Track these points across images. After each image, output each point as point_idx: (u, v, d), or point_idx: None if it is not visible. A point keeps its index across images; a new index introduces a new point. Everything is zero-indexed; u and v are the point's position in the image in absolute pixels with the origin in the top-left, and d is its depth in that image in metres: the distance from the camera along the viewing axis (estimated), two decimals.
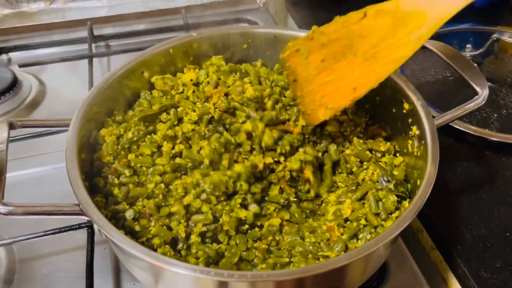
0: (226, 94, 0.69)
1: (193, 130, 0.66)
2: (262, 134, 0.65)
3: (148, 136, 0.66)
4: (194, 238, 0.60)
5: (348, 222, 0.63)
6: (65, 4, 1.14)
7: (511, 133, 0.82)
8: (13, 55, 1.09)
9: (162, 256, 0.50)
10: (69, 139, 0.60)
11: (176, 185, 0.63)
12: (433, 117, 0.64)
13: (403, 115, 0.67)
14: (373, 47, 0.57)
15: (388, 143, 0.71)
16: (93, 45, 1.09)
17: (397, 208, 0.62)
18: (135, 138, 0.66)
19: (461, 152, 0.82)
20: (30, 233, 0.68)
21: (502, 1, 1.13)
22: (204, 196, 0.62)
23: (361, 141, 0.70)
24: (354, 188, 0.66)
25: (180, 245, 0.60)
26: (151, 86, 0.74)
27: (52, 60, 1.03)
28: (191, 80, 0.73)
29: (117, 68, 0.70)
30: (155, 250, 0.58)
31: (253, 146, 0.66)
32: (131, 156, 0.64)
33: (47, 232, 0.68)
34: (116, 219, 0.60)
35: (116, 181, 0.63)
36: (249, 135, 0.66)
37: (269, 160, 0.64)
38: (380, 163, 0.68)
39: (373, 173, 0.65)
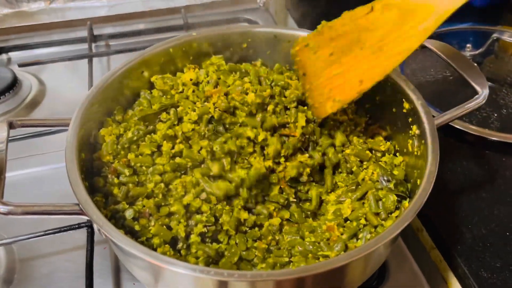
0: (226, 94, 0.69)
1: (193, 129, 0.66)
2: (264, 141, 0.65)
3: (148, 135, 0.66)
4: (194, 237, 0.60)
5: (348, 221, 0.63)
6: (65, 4, 1.14)
7: (511, 132, 0.82)
8: (13, 54, 1.09)
9: (161, 256, 0.50)
10: (68, 139, 0.60)
11: (175, 184, 0.63)
12: (433, 116, 0.64)
13: (403, 114, 0.67)
14: (380, 40, 0.58)
15: (388, 143, 0.71)
16: (93, 44, 1.09)
17: (397, 208, 0.62)
18: (135, 138, 0.66)
19: (461, 152, 0.82)
20: (29, 233, 0.68)
21: (502, 0, 1.13)
22: (204, 195, 0.62)
23: (361, 140, 0.70)
24: (354, 187, 0.66)
25: (180, 245, 0.60)
26: (151, 86, 0.74)
27: (52, 59, 1.03)
28: (191, 79, 0.72)
29: (117, 68, 0.70)
30: (155, 250, 0.58)
31: (255, 149, 0.66)
32: (131, 156, 0.64)
33: (47, 232, 0.68)
34: (116, 219, 0.60)
35: (115, 180, 0.63)
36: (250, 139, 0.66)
37: (269, 163, 0.64)
38: (380, 162, 0.68)
39: (373, 173, 0.65)
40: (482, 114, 0.87)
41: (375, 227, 0.61)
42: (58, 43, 1.11)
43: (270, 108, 0.68)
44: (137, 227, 0.59)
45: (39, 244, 0.70)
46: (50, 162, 0.82)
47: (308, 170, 0.66)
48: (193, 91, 0.71)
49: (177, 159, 0.64)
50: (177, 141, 0.66)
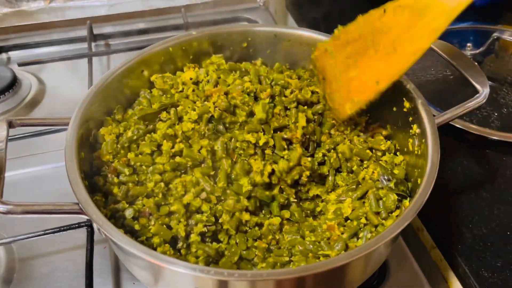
0: (226, 93, 0.69)
1: (193, 129, 0.66)
2: (265, 144, 0.66)
3: (148, 135, 0.66)
4: (194, 237, 0.60)
5: (349, 221, 0.63)
6: (64, 3, 1.14)
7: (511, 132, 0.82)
8: (12, 54, 1.09)
9: (161, 255, 0.50)
10: (68, 138, 0.60)
11: (176, 184, 0.62)
12: (434, 115, 0.64)
13: (404, 113, 0.67)
14: (394, 41, 0.59)
15: (389, 142, 0.70)
16: (93, 44, 1.08)
17: (397, 207, 0.62)
18: (135, 137, 0.66)
19: (462, 151, 0.82)
20: (29, 232, 0.67)
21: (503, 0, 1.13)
22: (204, 195, 0.62)
23: (361, 139, 0.70)
24: (354, 187, 0.66)
25: (180, 244, 0.60)
26: (151, 85, 0.74)
27: (52, 59, 1.03)
28: (191, 78, 0.72)
29: (116, 67, 0.70)
30: (155, 249, 0.58)
31: (256, 151, 0.66)
32: (130, 155, 0.64)
33: (46, 231, 0.67)
34: (116, 218, 0.59)
35: (115, 180, 0.63)
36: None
37: (269, 168, 0.65)
38: (380, 162, 0.68)
39: (373, 172, 0.65)
40: (483, 113, 0.87)
41: (376, 226, 0.61)
42: (58, 42, 1.10)
43: (264, 95, 0.68)
44: (137, 227, 0.59)
45: (38, 243, 0.70)
46: (50, 162, 0.82)
47: (307, 173, 0.66)
48: (193, 90, 0.71)
49: (177, 159, 0.64)
50: (177, 140, 0.66)
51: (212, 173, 0.64)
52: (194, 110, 0.67)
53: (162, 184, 0.62)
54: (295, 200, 0.66)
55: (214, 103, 0.67)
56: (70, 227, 0.68)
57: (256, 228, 0.63)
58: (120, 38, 1.12)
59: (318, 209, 0.67)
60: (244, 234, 0.62)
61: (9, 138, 0.67)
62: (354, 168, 0.68)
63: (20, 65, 1.02)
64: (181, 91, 0.71)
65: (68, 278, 0.67)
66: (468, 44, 1.00)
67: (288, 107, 0.70)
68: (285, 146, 0.67)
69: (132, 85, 0.72)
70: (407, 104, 0.66)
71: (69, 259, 0.69)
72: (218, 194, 0.62)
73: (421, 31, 0.57)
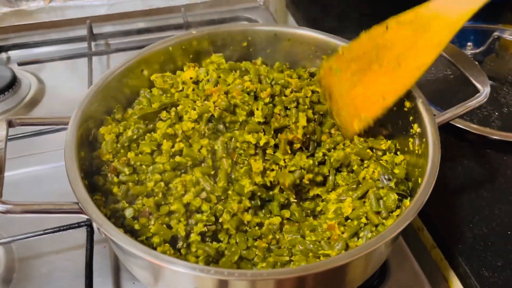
0: (226, 93, 0.69)
1: (193, 128, 0.66)
2: (266, 145, 0.66)
3: (148, 134, 0.66)
4: (194, 236, 0.60)
5: (349, 220, 0.63)
6: (64, 3, 1.14)
7: None
8: (12, 53, 1.09)
9: (161, 255, 0.50)
10: (68, 137, 0.60)
11: (176, 183, 0.62)
12: (434, 115, 0.63)
13: (404, 113, 0.67)
14: (397, 56, 0.59)
15: (389, 141, 0.70)
16: (93, 43, 1.08)
17: (398, 207, 0.62)
18: (135, 136, 0.66)
19: (462, 151, 0.82)
20: (29, 232, 0.67)
21: None
22: (204, 194, 0.62)
23: (361, 139, 0.70)
24: (354, 186, 0.66)
25: (180, 244, 0.60)
26: (151, 84, 0.74)
27: (51, 58, 1.03)
28: (191, 78, 0.72)
29: (116, 66, 0.70)
30: (155, 249, 0.57)
31: (257, 151, 0.66)
32: (130, 155, 0.64)
33: (46, 231, 0.67)
34: (116, 218, 0.59)
35: (115, 179, 0.63)
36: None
37: (273, 175, 0.65)
38: (381, 161, 0.68)
39: (374, 171, 0.65)
40: (483, 112, 0.87)
41: (376, 226, 0.61)
42: (58, 41, 1.10)
43: (264, 95, 0.68)
44: (137, 226, 0.59)
45: (38, 243, 0.70)
46: (50, 161, 0.82)
47: (310, 176, 0.66)
48: (193, 90, 0.70)
49: (177, 158, 0.64)
50: (177, 140, 0.66)
51: (212, 172, 0.64)
52: (194, 109, 0.67)
53: (162, 184, 0.62)
54: (295, 200, 0.66)
55: (214, 102, 0.67)
56: (69, 227, 0.68)
57: (256, 227, 0.63)
58: (120, 38, 1.12)
59: (319, 208, 0.67)
60: (244, 234, 0.62)
61: (8, 137, 0.67)
62: (355, 167, 0.68)
63: (19, 64, 1.01)
64: (181, 91, 0.71)
65: (68, 277, 0.67)
66: (469, 44, 1.00)
67: (288, 107, 0.70)
68: (289, 151, 0.67)
69: (132, 84, 0.72)
70: (407, 104, 0.66)
71: (69, 258, 0.69)
72: (218, 194, 0.62)
73: (425, 46, 0.57)
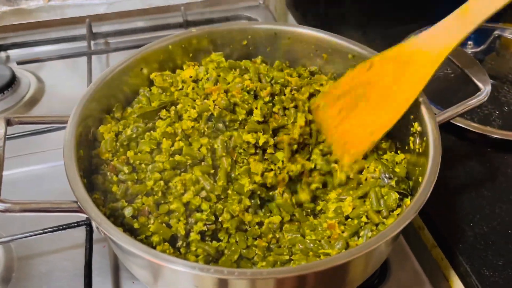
0: (226, 91, 0.69)
1: (192, 127, 0.66)
2: (266, 144, 0.66)
3: (147, 133, 0.66)
4: (193, 235, 0.59)
5: (349, 219, 0.63)
6: (63, 1, 1.14)
7: None
8: (11, 52, 1.09)
9: (161, 254, 0.49)
10: (67, 136, 0.59)
11: (175, 182, 0.62)
12: (435, 114, 0.63)
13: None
14: (383, 92, 0.60)
15: (390, 140, 0.70)
16: (92, 42, 1.08)
17: (398, 206, 0.61)
18: (134, 135, 0.65)
19: (463, 150, 0.82)
20: (28, 231, 0.67)
21: None
22: (203, 193, 0.62)
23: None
24: (355, 185, 0.66)
25: (179, 243, 0.60)
26: (150, 83, 0.73)
27: (51, 57, 1.03)
28: (191, 76, 0.72)
29: (115, 65, 0.70)
30: (154, 248, 0.57)
31: (257, 151, 0.66)
32: (130, 153, 0.64)
33: (45, 230, 0.67)
34: (115, 217, 0.59)
35: (114, 178, 0.63)
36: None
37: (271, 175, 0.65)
38: (381, 160, 0.67)
39: (375, 170, 0.65)
40: (484, 111, 0.87)
41: (377, 225, 0.60)
42: (57, 40, 1.10)
43: (264, 94, 0.69)
44: (136, 225, 0.58)
45: (37, 242, 0.70)
46: (50, 160, 0.82)
47: (318, 185, 0.66)
48: (193, 88, 0.70)
49: (177, 157, 0.64)
50: (177, 138, 0.65)
51: (212, 171, 0.63)
52: (194, 108, 0.67)
53: (162, 183, 0.62)
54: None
55: (214, 101, 0.67)
56: (69, 226, 0.68)
57: (256, 226, 0.63)
58: (120, 37, 1.11)
59: (319, 207, 0.67)
60: (244, 233, 0.62)
61: (8, 136, 0.66)
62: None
63: (19, 63, 1.01)
64: (180, 89, 0.71)
65: (67, 277, 0.67)
66: (469, 42, 1.00)
67: (287, 107, 0.70)
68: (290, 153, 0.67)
69: (131, 83, 0.72)
70: None
71: (68, 258, 0.69)
72: (218, 193, 0.62)
73: (409, 81, 0.58)
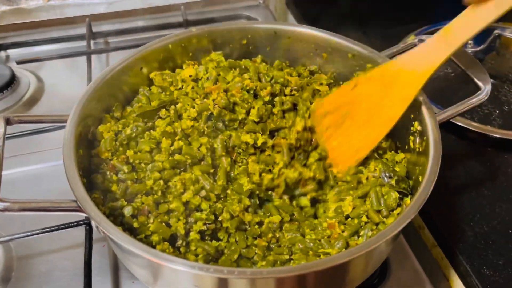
0: (226, 90, 0.69)
1: (192, 126, 0.66)
2: (264, 144, 0.66)
3: (147, 132, 0.66)
4: (193, 235, 0.59)
5: (349, 219, 0.62)
6: (63, 1, 1.13)
7: None
8: (11, 52, 1.09)
9: (160, 253, 0.49)
10: (66, 135, 0.59)
11: (175, 181, 0.62)
12: (435, 113, 0.63)
13: (405, 111, 0.66)
14: (368, 111, 0.61)
15: (390, 140, 0.70)
16: (92, 42, 1.08)
17: (398, 205, 0.61)
18: (134, 134, 0.65)
19: (463, 149, 0.81)
20: (27, 231, 0.67)
21: None
22: (203, 193, 0.62)
23: None
24: (355, 185, 0.65)
25: (179, 242, 0.59)
26: (150, 82, 0.73)
27: (51, 56, 1.02)
28: (190, 76, 0.72)
29: (115, 64, 0.69)
30: (154, 247, 0.57)
31: (255, 152, 0.66)
32: (129, 153, 0.64)
33: (44, 230, 0.67)
34: (114, 216, 0.59)
35: (114, 177, 0.62)
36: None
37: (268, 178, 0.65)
38: (382, 159, 0.67)
39: (375, 169, 0.65)
40: (484, 111, 0.87)
41: (377, 224, 0.60)
42: (57, 40, 1.10)
43: (264, 93, 0.68)
44: (135, 224, 0.58)
45: (37, 242, 0.70)
46: (50, 160, 0.82)
47: (313, 194, 0.65)
48: (192, 88, 0.70)
49: (176, 156, 0.64)
50: (176, 138, 0.65)
51: (212, 171, 0.63)
52: (194, 107, 0.67)
53: (161, 182, 0.62)
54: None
55: (213, 100, 0.67)
56: (68, 226, 0.68)
57: (256, 226, 0.63)
58: (119, 36, 1.11)
59: (319, 212, 0.66)
60: (244, 232, 0.62)
61: (9, 136, 0.66)
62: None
63: (18, 63, 1.01)
64: (180, 89, 0.71)
65: (67, 276, 0.67)
66: (469, 42, 1.00)
67: (287, 109, 0.69)
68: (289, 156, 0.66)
69: (131, 82, 0.72)
70: None
71: (68, 257, 0.69)
72: (218, 192, 0.62)
73: (393, 100, 0.58)
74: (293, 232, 0.62)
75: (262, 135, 0.66)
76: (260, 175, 0.64)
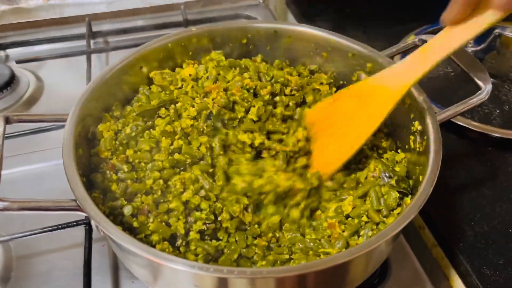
0: (226, 90, 0.68)
1: (192, 125, 0.66)
2: (261, 145, 0.66)
3: (147, 131, 0.66)
4: (193, 234, 0.59)
5: (349, 219, 0.62)
6: (63, 0, 1.13)
7: None
8: (10, 51, 1.08)
9: (160, 253, 0.49)
10: (66, 135, 0.59)
11: (174, 181, 0.62)
12: (435, 112, 0.63)
13: (405, 110, 0.66)
14: (345, 124, 0.62)
15: (390, 139, 0.70)
16: (92, 41, 1.08)
17: (399, 205, 0.61)
18: (133, 134, 0.65)
19: (463, 148, 0.81)
20: (27, 230, 0.67)
21: None
22: (202, 192, 0.62)
23: None
24: (354, 185, 0.65)
25: (179, 242, 0.59)
26: (150, 82, 0.73)
27: (50, 56, 1.02)
28: (190, 75, 0.72)
29: (115, 63, 0.69)
30: (154, 247, 0.57)
31: (251, 151, 0.66)
32: (129, 152, 0.64)
33: (44, 229, 0.67)
34: (114, 216, 0.59)
35: (114, 177, 0.62)
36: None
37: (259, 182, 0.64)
38: (381, 159, 0.67)
39: (375, 169, 0.65)
40: (484, 110, 0.87)
41: (377, 224, 0.60)
42: (56, 39, 1.09)
43: (264, 92, 0.68)
44: (135, 224, 0.58)
45: (36, 241, 0.70)
46: (50, 159, 0.81)
47: (302, 204, 0.64)
48: (192, 87, 0.70)
49: (176, 155, 0.63)
50: (176, 137, 0.65)
51: (211, 170, 0.63)
52: (193, 106, 0.66)
53: (161, 181, 0.61)
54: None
55: (213, 99, 0.67)
56: (68, 225, 0.68)
57: (256, 226, 0.62)
58: (119, 36, 1.11)
59: (318, 213, 0.66)
60: (243, 232, 0.62)
61: (9, 135, 0.66)
62: (353, 166, 0.68)
63: (18, 62, 1.01)
64: (180, 88, 0.71)
65: (66, 276, 0.67)
66: (470, 41, 1.00)
67: (289, 114, 0.69)
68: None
69: (130, 81, 0.71)
70: (408, 101, 0.66)
71: (67, 257, 0.69)
72: (217, 192, 0.62)
73: (367, 116, 0.60)
74: (293, 232, 0.62)
75: (260, 135, 0.66)
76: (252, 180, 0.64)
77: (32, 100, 0.96)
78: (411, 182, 0.64)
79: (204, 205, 0.61)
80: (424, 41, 0.67)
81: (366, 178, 0.65)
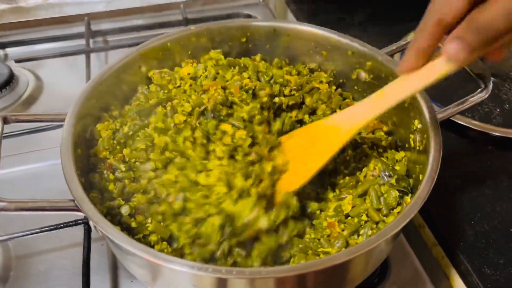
0: (224, 88, 0.68)
1: (185, 121, 0.65)
2: (243, 141, 0.65)
3: (142, 130, 0.65)
4: (184, 239, 0.58)
5: (349, 218, 0.62)
6: None
7: None
8: (9, 50, 1.08)
9: (159, 253, 0.49)
10: (64, 134, 0.59)
11: (157, 183, 0.61)
12: (435, 111, 0.63)
13: (405, 109, 0.66)
14: (296, 160, 0.64)
15: (390, 138, 0.70)
16: (91, 40, 1.07)
17: (399, 204, 0.61)
18: (131, 133, 0.65)
19: (463, 147, 0.81)
20: (26, 230, 0.67)
21: None
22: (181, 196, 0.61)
23: (361, 136, 0.69)
24: (353, 184, 0.65)
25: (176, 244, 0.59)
26: (149, 81, 0.73)
27: (49, 55, 1.02)
28: (189, 74, 0.71)
29: (114, 62, 0.69)
30: (152, 247, 0.57)
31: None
32: (126, 151, 0.63)
33: (43, 229, 0.67)
34: (112, 216, 0.59)
35: (111, 176, 0.62)
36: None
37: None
38: (381, 158, 0.67)
39: (374, 168, 0.64)
40: (484, 109, 0.86)
41: (377, 223, 0.60)
42: (56, 38, 1.09)
43: (262, 93, 0.68)
44: (133, 224, 0.58)
45: (35, 241, 0.70)
46: (49, 159, 0.81)
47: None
48: (190, 85, 0.70)
49: (167, 153, 0.63)
50: (169, 133, 0.64)
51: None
52: (189, 102, 0.66)
53: (155, 181, 0.61)
54: None
55: (209, 98, 0.66)
56: (67, 225, 0.67)
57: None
58: (118, 35, 1.11)
59: (318, 212, 0.66)
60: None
61: (6, 135, 0.66)
62: (353, 165, 0.67)
63: (17, 61, 1.00)
64: (178, 87, 0.70)
65: (65, 276, 0.66)
66: None
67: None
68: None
69: (129, 80, 0.71)
70: (407, 99, 0.65)
71: (66, 256, 0.69)
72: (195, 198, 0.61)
73: (315, 154, 0.62)
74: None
75: (246, 134, 0.65)
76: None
77: (31, 99, 0.96)
78: (411, 181, 0.63)
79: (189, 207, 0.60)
80: None
81: (365, 177, 0.65)
